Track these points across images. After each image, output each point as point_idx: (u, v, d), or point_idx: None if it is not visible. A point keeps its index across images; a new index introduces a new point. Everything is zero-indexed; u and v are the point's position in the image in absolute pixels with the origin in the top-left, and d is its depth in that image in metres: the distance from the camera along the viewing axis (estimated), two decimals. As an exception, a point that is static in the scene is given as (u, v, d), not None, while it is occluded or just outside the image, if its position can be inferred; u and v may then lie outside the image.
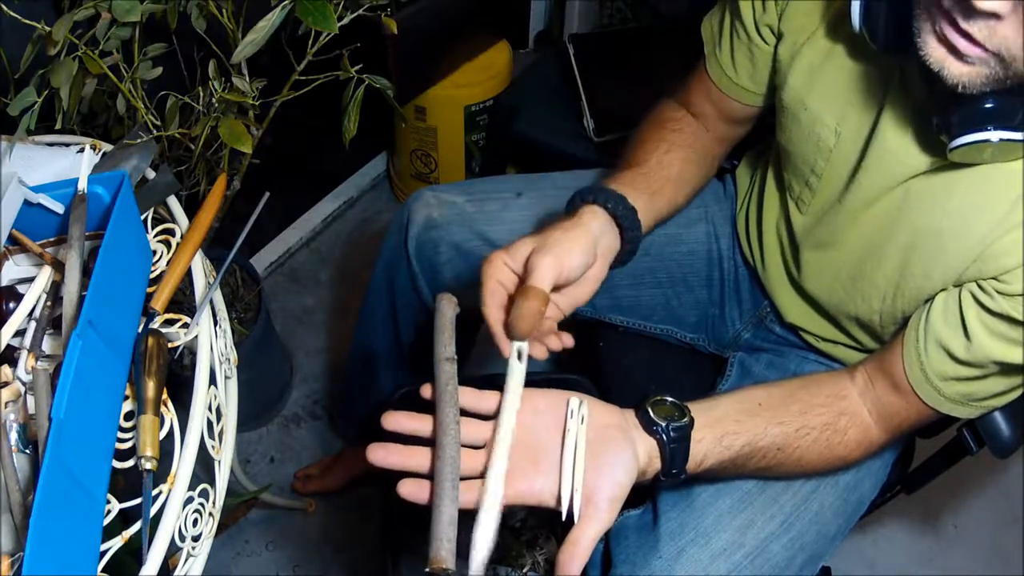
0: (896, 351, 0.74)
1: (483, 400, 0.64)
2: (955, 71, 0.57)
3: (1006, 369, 0.70)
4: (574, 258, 0.69)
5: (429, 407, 0.62)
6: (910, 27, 0.59)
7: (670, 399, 0.67)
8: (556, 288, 0.69)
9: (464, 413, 0.62)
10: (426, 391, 0.63)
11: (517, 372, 0.63)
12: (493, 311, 0.67)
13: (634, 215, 0.77)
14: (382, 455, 0.60)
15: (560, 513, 0.59)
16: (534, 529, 1.02)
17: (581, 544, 0.58)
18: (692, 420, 0.66)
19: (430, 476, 0.59)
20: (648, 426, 0.65)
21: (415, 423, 0.62)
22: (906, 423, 0.76)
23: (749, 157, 1.04)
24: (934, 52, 0.57)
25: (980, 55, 0.55)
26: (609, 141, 1.48)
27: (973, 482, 1.53)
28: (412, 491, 0.59)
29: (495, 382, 0.64)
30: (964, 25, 0.54)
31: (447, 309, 0.66)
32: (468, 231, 0.98)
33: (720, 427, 0.69)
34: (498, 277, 0.68)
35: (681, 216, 1.02)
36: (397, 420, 0.61)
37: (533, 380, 0.65)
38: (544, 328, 0.71)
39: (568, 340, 0.71)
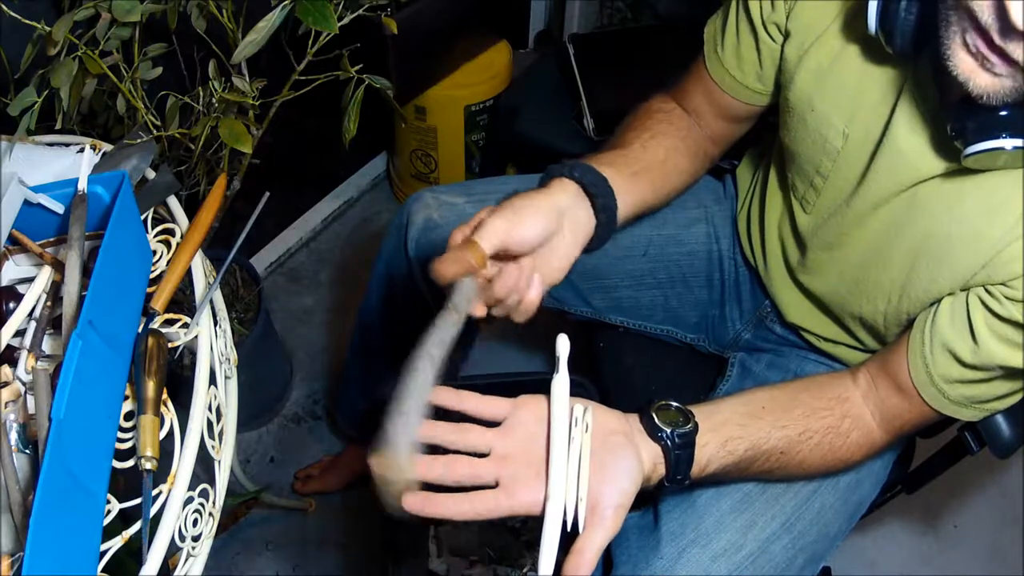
0: (900, 353, 0.74)
1: (486, 405, 0.63)
2: (982, 84, 0.56)
3: (1010, 373, 0.70)
4: (527, 224, 0.67)
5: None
6: (927, 32, 0.59)
7: (674, 404, 0.67)
8: (514, 257, 0.68)
9: (467, 419, 0.62)
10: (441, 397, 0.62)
11: (562, 380, 0.63)
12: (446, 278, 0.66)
13: (605, 184, 0.74)
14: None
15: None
16: (534, 530, 1.02)
17: (587, 554, 0.57)
18: (696, 426, 0.66)
19: (436, 486, 0.58)
20: (653, 432, 0.65)
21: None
22: (909, 424, 0.76)
23: (750, 157, 1.04)
24: (962, 64, 0.57)
25: (1011, 71, 0.55)
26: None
27: (973, 482, 1.53)
28: (417, 505, 0.57)
29: (497, 383, 0.64)
30: (999, 42, 0.53)
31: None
32: (468, 232, 0.98)
33: (724, 432, 0.69)
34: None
35: (681, 217, 1.02)
36: None
37: (533, 381, 0.64)
38: (521, 305, 0.69)
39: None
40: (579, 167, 0.73)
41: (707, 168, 0.96)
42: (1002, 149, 0.60)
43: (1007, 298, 0.67)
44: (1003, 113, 0.59)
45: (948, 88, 0.61)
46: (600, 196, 0.73)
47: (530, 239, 0.67)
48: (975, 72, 0.56)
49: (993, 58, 0.55)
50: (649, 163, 0.83)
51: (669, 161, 0.86)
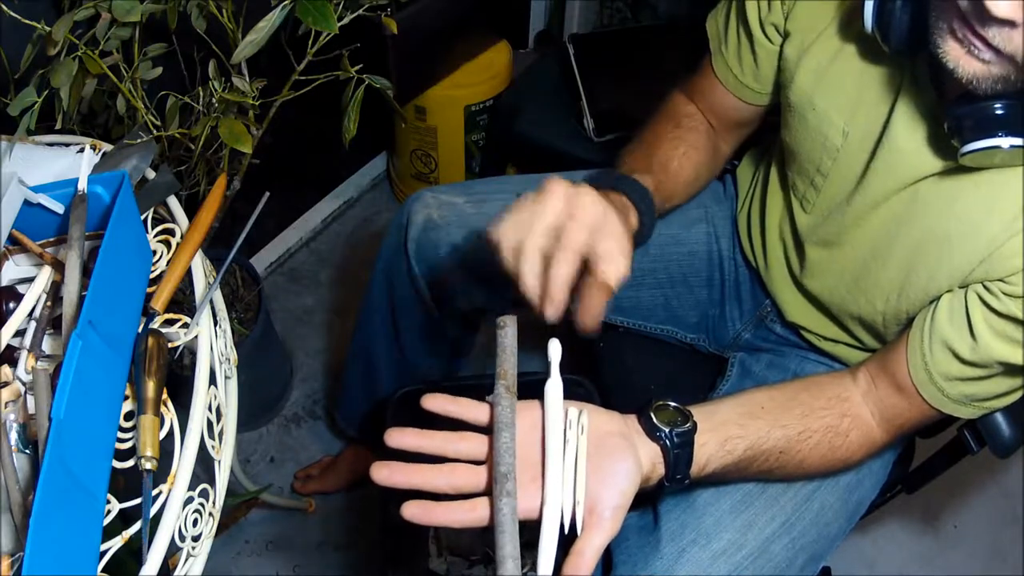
0: (900, 352, 0.74)
1: (482, 411, 0.63)
2: (969, 69, 0.57)
3: (1009, 370, 0.70)
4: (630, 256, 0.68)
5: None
6: (923, 29, 0.60)
7: (672, 404, 0.67)
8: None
9: (462, 426, 0.62)
10: (431, 403, 0.62)
11: (555, 384, 0.63)
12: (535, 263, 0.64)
13: (652, 226, 0.80)
14: (386, 475, 0.59)
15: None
16: (533, 530, 1.02)
17: (586, 556, 0.57)
18: (695, 425, 0.66)
19: (434, 495, 0.58)
20: (651, 432, 0.65)
21: (419, 440, 0.60)
22: (908, 424, 0.76)
23: (750, 156, 1.04)
24: (951, 51, 0.57)
25: (997, 57, 0.56)
26: (609, 141, 1.48)
27: (973, 482, 1.53)
28: (417, 513, 0.58)
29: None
30: (980, 30, 0.54)
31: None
32: (468, 232, 0.98)
33: (723, 431, 0.69)
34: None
35: (681, 217, 1.02)
36: (401, 438, 0.60)
37: (533, 381, 0.64)
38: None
39: None
40: (643, 197, 0.78)
41: (720, 169, 0.99)
42: (998, 147, 0.60)
43: (1005, 294, 0.67)
44: (999, 112, 0.59)
45: (945, 86, 0.61)
46: (644, 234, 0.79)
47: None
48: (962, 58, 0.57)
49: (978, 43, 0.55)
50: (683, 183, 0.90)
51: (697, 175, 0.92)
